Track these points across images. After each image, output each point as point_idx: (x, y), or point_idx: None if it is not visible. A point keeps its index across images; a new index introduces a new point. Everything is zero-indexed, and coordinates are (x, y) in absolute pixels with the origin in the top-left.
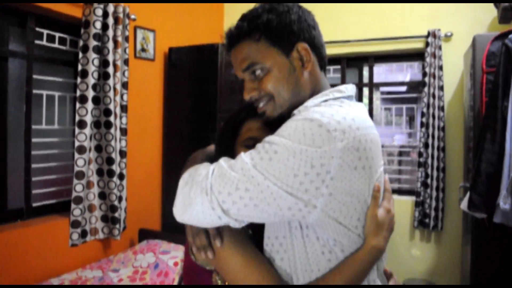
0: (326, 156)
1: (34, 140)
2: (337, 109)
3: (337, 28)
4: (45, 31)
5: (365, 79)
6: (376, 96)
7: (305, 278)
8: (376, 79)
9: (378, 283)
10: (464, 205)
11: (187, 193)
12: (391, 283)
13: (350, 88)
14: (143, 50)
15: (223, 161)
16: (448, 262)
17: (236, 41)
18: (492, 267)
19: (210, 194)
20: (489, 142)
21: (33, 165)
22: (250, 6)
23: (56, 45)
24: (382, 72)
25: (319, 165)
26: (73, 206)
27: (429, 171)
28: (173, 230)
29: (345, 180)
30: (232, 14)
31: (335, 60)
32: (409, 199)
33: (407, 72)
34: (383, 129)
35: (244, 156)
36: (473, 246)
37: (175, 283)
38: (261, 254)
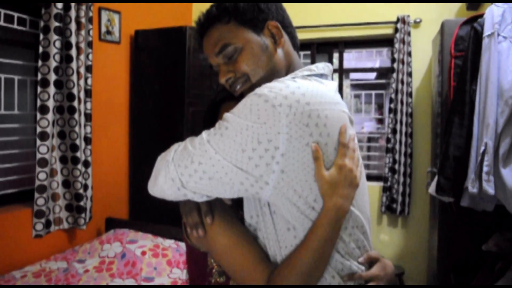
0: (272, 132)
1: None
2: (288, 84)
3: (307, 13)
4: (3, 11)
5: (336, 66)
6: (346, 83)
7: (276, 256)
8: (346, 67)
9: (368, 248)
10: (432, 189)
11: (158, 166)
12: (375, 267)
13: (321, 67)
14: (108, 32)
15: (189, 138)
16: (416, 246)
17: (206, 27)
18: (459, 251)
19: (171, 166)
20: (457, 126)
21: None
22: None
23: (15, 25)
24: (352, 59)
25: (266, 140)
26: (36, 195)
27: (396, 156)
28: (141, 219)
29: (297, 157)
30: None
31: (305, 45)
32: (377, 185)
33: (376, 59)
34: (353, 116)
35: (204, 133)
36: (440, 230)
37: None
38: (249, 234)
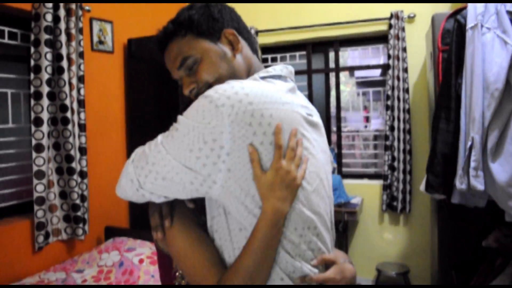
0: (216, 132)
1: None
2: (233, 85)
3: (302, 13)
4: None
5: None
6: (352, 81)
7: (231, 257)
8: (350, 64)
9: (324, 250)
10: (422, 186)
11: (123, 169)
12: (330, 270)
13: (278, 68)
14: (100, 42)
15: (149, 142)
16: (418, 243)
17: (165, 43)
18: (457, 247)
19: (130, 167)
20: (444, 122)
21: None
22: None
23: (6, 40)
24: (356, 57)
25: (211, 140)
26: (36, 207)
27: (395, 154)
28: (142, 227)
29: (243, 156)
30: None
31: (300, 45)
32: (377, 183)
33: (381, 56)
34: (356, 114)
35: (159, 135)
36: (439, 228)
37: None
38: (207, 238)
